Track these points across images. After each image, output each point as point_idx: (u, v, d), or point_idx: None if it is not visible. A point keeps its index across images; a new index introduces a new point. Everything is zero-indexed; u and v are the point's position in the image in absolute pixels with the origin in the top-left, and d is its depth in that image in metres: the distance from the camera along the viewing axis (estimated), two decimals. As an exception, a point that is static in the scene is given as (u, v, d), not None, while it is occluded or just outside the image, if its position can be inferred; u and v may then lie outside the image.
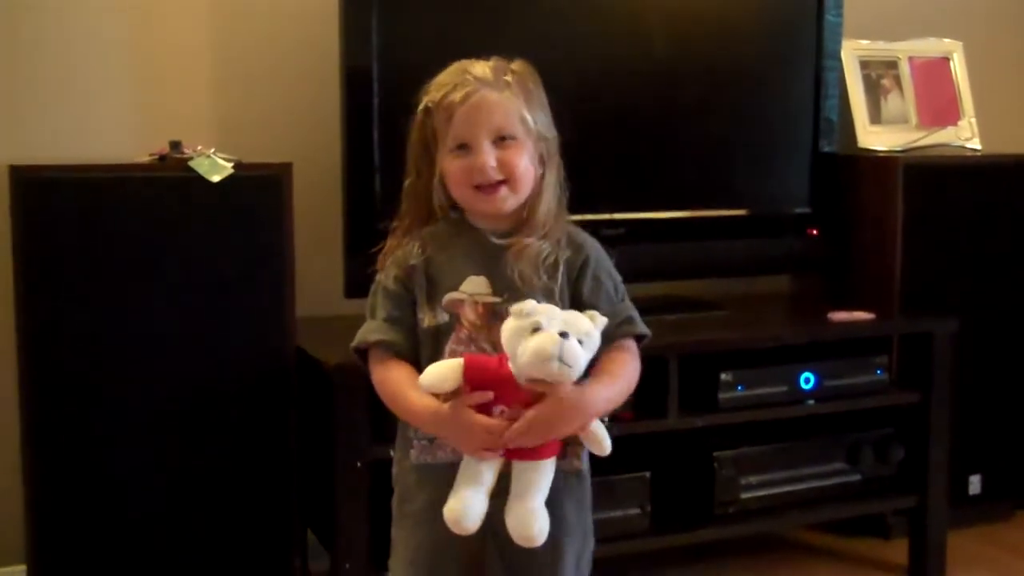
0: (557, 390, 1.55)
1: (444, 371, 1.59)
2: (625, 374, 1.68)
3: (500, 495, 1.62)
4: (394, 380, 1.66)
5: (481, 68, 1.67)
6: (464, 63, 1.69)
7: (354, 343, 1.71)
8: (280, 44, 2.73)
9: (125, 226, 2.26)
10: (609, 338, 1.68)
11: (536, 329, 1.53)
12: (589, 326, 1.57)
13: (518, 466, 1.60)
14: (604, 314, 1.67)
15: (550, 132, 1.71)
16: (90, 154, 2.48)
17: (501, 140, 1.65)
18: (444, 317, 1.65)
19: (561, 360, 1.52)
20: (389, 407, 1.71)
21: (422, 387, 1.60)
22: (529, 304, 1.56)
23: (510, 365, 1.56)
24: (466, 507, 1.58)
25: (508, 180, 1.65)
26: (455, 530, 1.60)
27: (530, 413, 1.55)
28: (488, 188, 1.65)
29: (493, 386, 1.57)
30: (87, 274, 2.24)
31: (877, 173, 3.02)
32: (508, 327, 1.56)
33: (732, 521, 2.69)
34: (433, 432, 1.65)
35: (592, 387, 1.61)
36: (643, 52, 2.80)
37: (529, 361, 1.53)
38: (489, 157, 1.63)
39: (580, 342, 1.54)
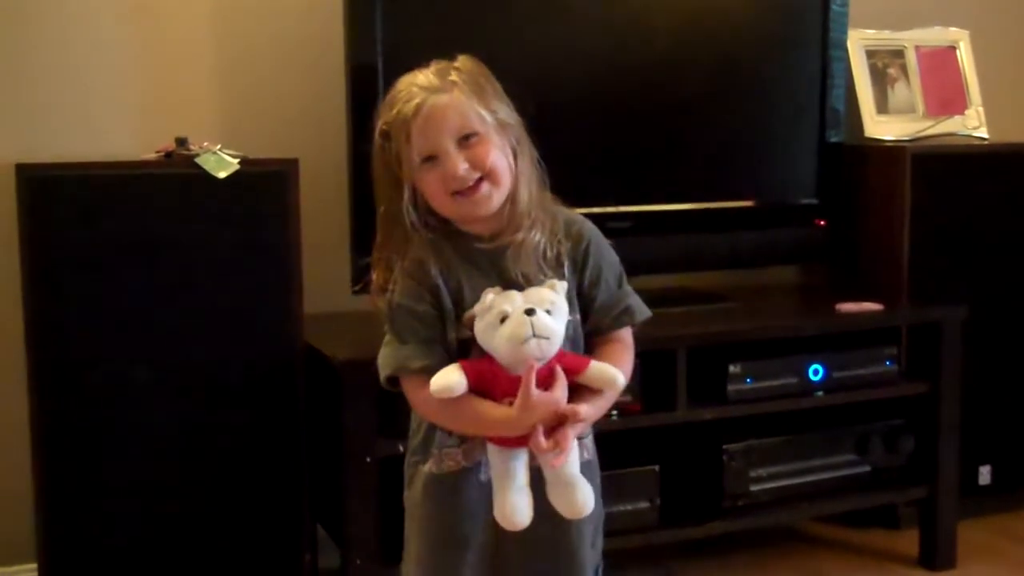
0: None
1: (451, 379, 1.58)
2: (618, 367, 1.67)
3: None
4: (455, 400, 1.59)
5: (424, 76, 1.63)
6: (407, 77, 1.64)
7: (389, 371, 1.65)
8: (285, 40, 2.73)
9: (131, 223, 2.26)
10: (606, 328, 1.68)
11: (504, 318, 1.54)
12: (551, 295, 1.57)
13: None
14: (602, 303, 1.68)
15: (512, 118, 1.66)
16: (96, 152, 2.48)
17: (465, 139, 1.60)
18: (466, 333, 1.62)
19: (536, 335, 1.53)
20: (448, 425, 1.66)
21: (433, 392, 1.58)
22: (488, 298, 1.56)
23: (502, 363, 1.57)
24: (514, 507, 1.60)
25: (485, 175, 1.61)
26: (510, 529, 1.60)
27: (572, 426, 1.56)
28: (467, 191, 1.61)
29: (492, 384, 1.58)
30: (94, 272, 2.24)
31: (884, 163, 3.01)
32: (478, 328, 1.56)
33: (742, 514, 2.69)
34: (514, 432, 1.59)
35: (589, 402, 1.61)
36: (648, 44, 2.79)
37: (508, 349, 1.54)
38: (458, 161, 1.59)
39: (548, 312, 1.55)
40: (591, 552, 1.75)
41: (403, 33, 2.49)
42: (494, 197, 1.63)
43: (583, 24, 2.71)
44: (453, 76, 1.62)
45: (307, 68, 2.72)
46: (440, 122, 1.59)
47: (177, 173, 2.30)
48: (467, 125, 1.60)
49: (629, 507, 2.53)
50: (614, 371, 1.61)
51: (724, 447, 2.66)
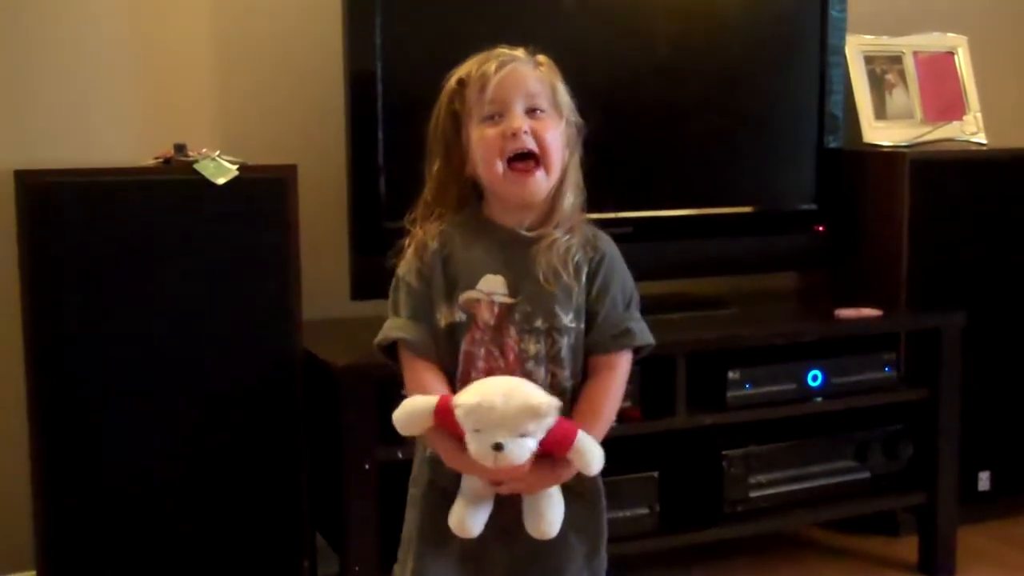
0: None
1: (414, 416, 1.57)
2: (604, 412, 1.66)
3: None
4: (423, 397, 1.62)
5: (512, 50, 1.69)
6: (493, 50, 1.69)
7: (377, 339, 1.69)
8: (284, 45, 2.73)
9: (130, 230, 2.25)
10: (603, 348, 1.67)
11: (476, 430, 1.52)
12: (532, 423, 1.52)
13: None
14: (604, 319, 1.67)
15: (575, 119, 1.71)
16: (95, 158, 2.48)
17: (532, 111, 1.64)
18: (461, 316, 1.64)
19: (497, 465, 1.52)
20: None
21: (394, 421, 1.58)
22: (471, 402, 1.52)
23: None
24: (469, 519, 1.61)
25: (541, 154, 1.63)
26: (460, 535, 1.62)
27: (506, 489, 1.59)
28: (523, 169, 1.62)
29: (460, 434, 1.56)
30: (93, 278, 2.24)
31: (883, 168, 3.02)
32: (459, 414, 1.53)
33: (741, 520, 2.68)
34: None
35: (563, 468, 1.60)
36: (647, 50, 2.79)
37: (473, 457, 1.54)
38: (523, 121, 1.62)
39: (523, 435, 1.51)
40: (585, 569, 1.72)
41: (402, 39, 2.50)
42: (543, 185, 1.65)
43: (582, 31, 2.71)
44: (541, 58, 1.69)
45: (306, 74, 2.72)
46: (517, 85, 1.64)
47: (176, 179, 2.30)
48: (540, 99, 1.65)
49: (628, 513, 2.53)
50: (594, 462, 1.57)
51: (723, 453, 2.65)
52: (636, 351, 1.71)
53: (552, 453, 1.57)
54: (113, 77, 2.62)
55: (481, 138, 1.64)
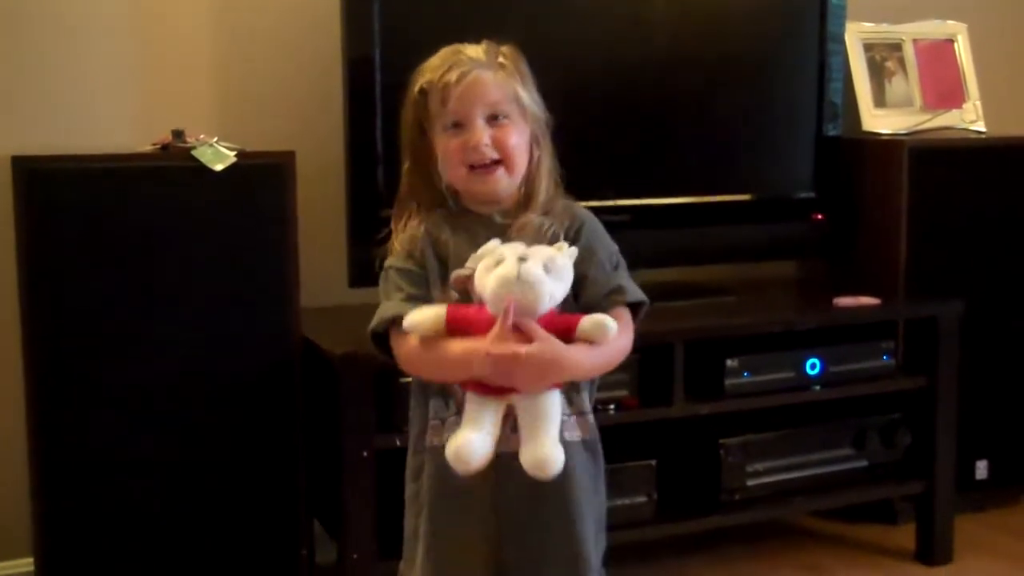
0: (531, 329, 1.55)
1: (428, 315, 1.60)
2: (606, 349, 1.65)
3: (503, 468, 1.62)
4: (425, 342, 1.62)
5: (474, 50, 1.69)
6: (456, 46, 1.70)
7: (372, 325, 1.68)
8: (282, 32, 2.72)
9: (128, 216, 2.25)
10: (599, 308, 1.67)
11: (500, 262, 1.56)
12: (554, 253, 1.59)
13: (521, 404, 1.60)
14: (594, 279, 1.68)
15: (540, 112, 1.72)
16: (92, 144, 2.46)
17: (494, 119, 1.66)
18: (453, 296, 1.65)
19: (521, 280, 1.54)
20: (425, 373, 1.68)
21: (405, 327, 1.60)
22: (492, 243, 1.60)
23: (488, 308, 1.58)
24: (469, 444, 1.57)
25: (503, 159, 1.66)
26: (458, 468, 1.58)
27: (516, 351, 1.55)
28: (483, 168, 1.66)
29: (474, 326, 1.58)
30: (90, 265, 2.23)
31: (882, 156, 3.01)
32: (478, 271, 1.58)
33: (738, 508, 2.69)
34: (477, 370, 1.58)
35: (576, 348, 1.60)
36: (646, 38, 2.78)
37: (494, 290, 1.55)
38: (483, 134, 1.65)
39: (546, 268, 1.56)
40: (595, 551, 1.73)
41: (400, 25, 2.49)
42: (503, 182, 1.68)
43: (581, 18, 2.70)
44: (502, 59, 1.70)
45: (304, 60, 2.71)
46: (478, 95, 1.65)
47: (173, 166, 2.29)
48: (501, 105, 1.67)
49: (626, 501, 2.53)
50: (605, 319, 1.59)
51: (721, 442, 2.66)
52: (634, 313, 1.71)
53: (564, 336, 1.59)
54: (111, 63, 2.61)
55: (445, 148, 1.68)
